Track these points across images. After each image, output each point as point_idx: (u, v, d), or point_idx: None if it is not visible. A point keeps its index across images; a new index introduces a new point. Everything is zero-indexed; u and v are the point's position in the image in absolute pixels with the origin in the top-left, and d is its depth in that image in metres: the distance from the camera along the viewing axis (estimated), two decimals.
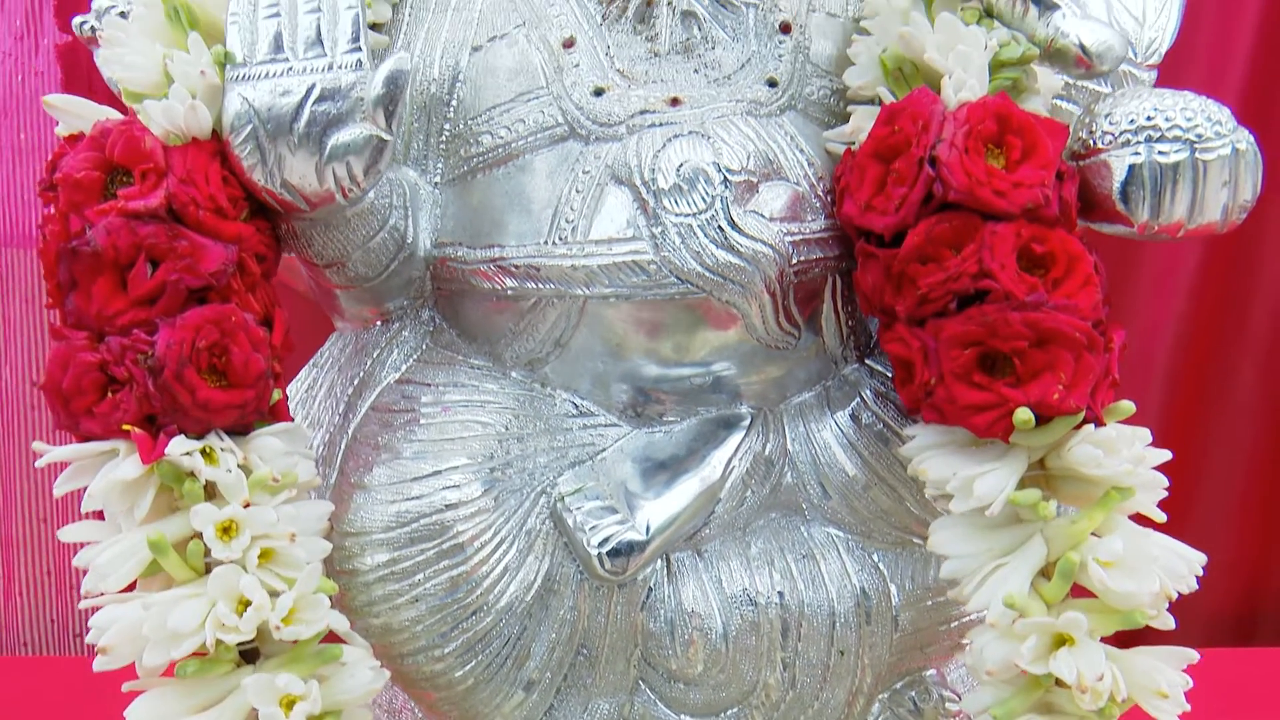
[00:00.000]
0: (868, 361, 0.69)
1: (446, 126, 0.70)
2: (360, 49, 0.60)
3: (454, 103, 0.69)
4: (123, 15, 0.72)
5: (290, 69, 0.60)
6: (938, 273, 0.56)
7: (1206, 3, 1.37)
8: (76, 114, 0.61)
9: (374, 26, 0.71)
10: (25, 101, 1.46)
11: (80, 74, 1.38)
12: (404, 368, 0.71)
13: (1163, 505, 0.60)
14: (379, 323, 0.73)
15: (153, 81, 0.60)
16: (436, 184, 0.70)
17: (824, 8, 0.70)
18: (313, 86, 0.59)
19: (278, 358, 0.61)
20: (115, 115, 0.61)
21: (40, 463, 0.58)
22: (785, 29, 0.68)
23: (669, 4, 0.68)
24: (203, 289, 0.57)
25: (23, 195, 1.48)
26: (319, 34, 0.60)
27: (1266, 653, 1.39)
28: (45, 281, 0.58)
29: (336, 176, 0.60)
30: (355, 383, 0.71)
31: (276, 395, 0.60)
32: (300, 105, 0.59)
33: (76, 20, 0.77)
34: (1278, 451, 1.41)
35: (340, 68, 0.59)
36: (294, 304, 0.74)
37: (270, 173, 0.60)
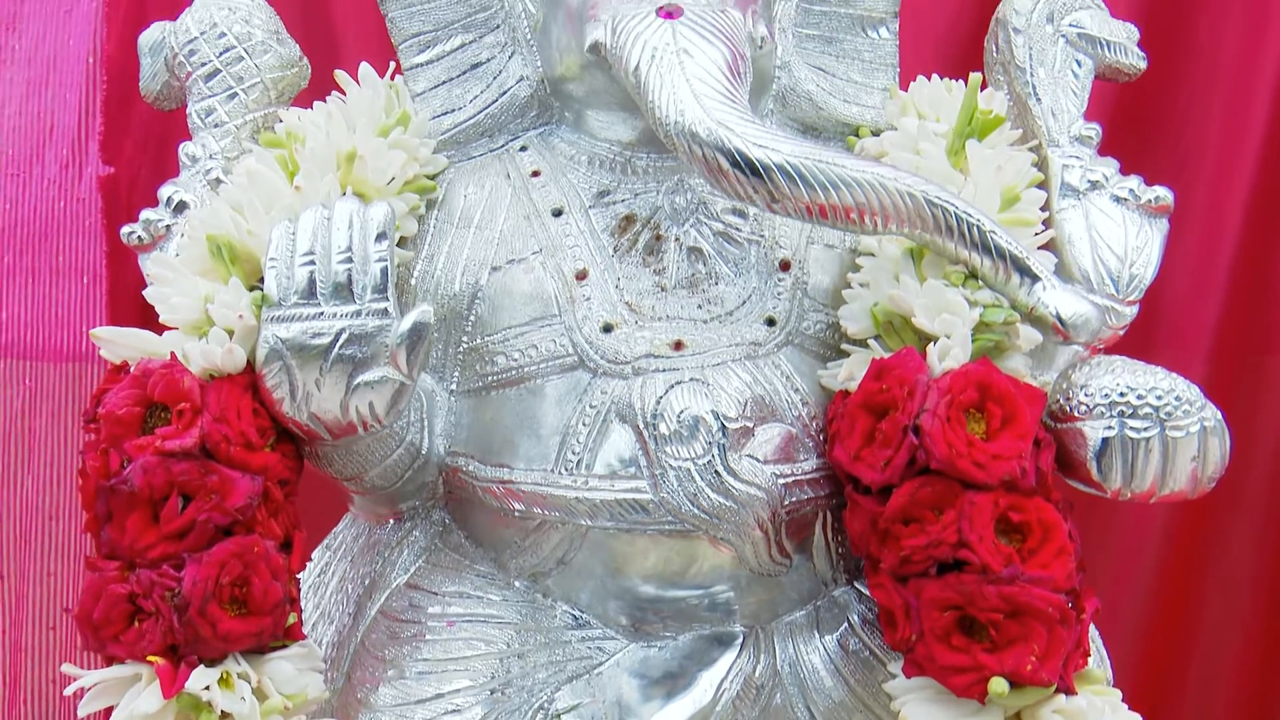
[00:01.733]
0: (855, 585, 0.72)
1: (464, 339, 0.74)
2: (387, 298, 0.64)
3: (473, 318, 0.74)
4: (168, 228, 0.78)
5: (321, 313, 0.64)
6: (920, 535, 0.59)
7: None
8: (122, 344, 0.66)
9: (400, 241, 0.76)
10: (66, 225, 1.51)
11: (120, 205, 1.44)
12: (413, 569, 0.74)
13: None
14: (391, 520, 0.77)
15: (194, 320, 0.65)
16: (453, 391, 0.74)
17: (822, 239, 0.74)
18: (341, 331, 0.64)
19: (294, 580, 0.64)
20: (159, 349, 0.65)
21: (70, 689, 0.61)
22: (785, 266, 0.72)
23: (676, 239, 0.72)
24: (231, 524, 0.61)
25: (56, 313, 1.53)
26: (349, 281, 0.64)
27: None
28: (84, 511, 0.62)
29: (359, 413, 0.64)
30: (366, 583, 0.75)
31: (292, 619, 0.63)
32: (329, 347, 0.63)
33: (125, 230, 0.83)
34: (1272, 623, 1.43)
35: (367, 314, 0.64)
36: (311, 480, 0.77)
37: (298, 407, 0.64)
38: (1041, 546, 0.59)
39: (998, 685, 0.56)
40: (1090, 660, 0.61)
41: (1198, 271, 1.47)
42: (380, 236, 0.65)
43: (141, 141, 1.41)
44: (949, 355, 0.62)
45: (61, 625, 1.51)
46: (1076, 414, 0.63)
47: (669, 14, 0.66)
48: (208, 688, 0.58)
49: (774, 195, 0.62)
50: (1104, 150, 1.28)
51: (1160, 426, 0.61)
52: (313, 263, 0.64)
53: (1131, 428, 0.61)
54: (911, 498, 0.60)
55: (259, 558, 0.61)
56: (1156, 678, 1.37)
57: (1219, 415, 0.62)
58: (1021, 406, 0.61)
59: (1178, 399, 0.61)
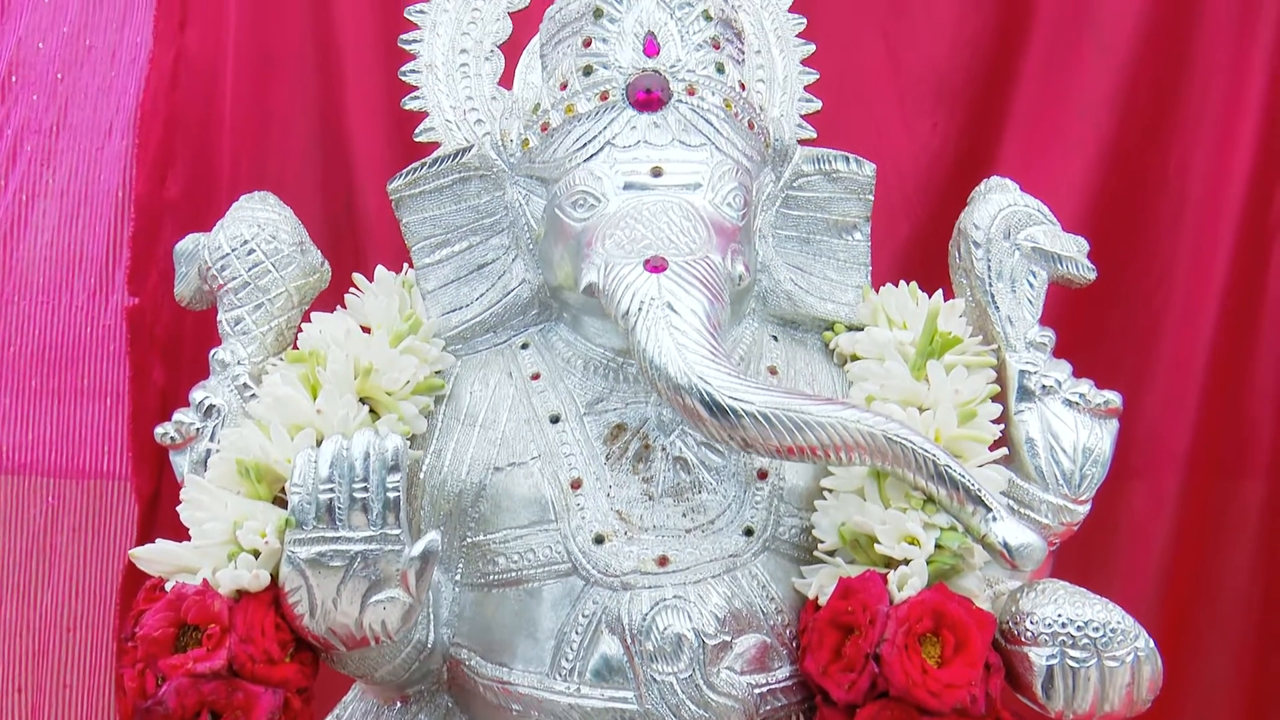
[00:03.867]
0: None
1: (469, 534, 0.80)
2: (400, 526, 0.71)
3: (476, 515, 0.80)
4: (198, 430, 0.84)
5: (339, 537, 0.70)
6: None
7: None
8: (160, 561, 0.72)
9: (410, 439, 0.82)
10: (92, 350, 1.59)
11: (144, 333, 1.51)
12: None
13: None
14: (398, 703, 0.82)
15: (223, 542, 0.71)
16: (457, 582, 0.80)
17: None
18: (357, 554, 0.70)
19: None
20: (191, 565, 0.71)
21: None
22: (762, 475, 0.79)
23: (663, 449, 0.79)
24: None
25: (80, 433, 1.60)
26: (365, 509, 0.71)
27: None
28: None
29: (372, 629, 0.70)
30: None
31: None
32: (346, 569, 0.70)
33: (159, 431, 0.89)
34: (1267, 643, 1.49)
35: (381, 540, 0.70)
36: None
37: (317, 621, 0.70)
38: None
39: None
40: None
41: (1170, 399, 1.54)
42: (393, 469, 0.71)
43: (166, 274, 1.48)
44: (907, 584, 0.68)
45: None
46: (1024, 639, 0.69)
47: (655, 268, 0.73)
48: None
49: (746, 440, 0.69)
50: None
51: (1097, 656, 0.67)
52: (333, 490, 0.71)
53: (1072, 657, 0.67)
54: (873, 718, 0.66)
55: None
56: None
57: (1151, 644, 0.68)
58: (973, 633, 0.67)
59: (1113, 630, 0.67)
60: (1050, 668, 0.68)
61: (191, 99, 1.51)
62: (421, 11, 1.03)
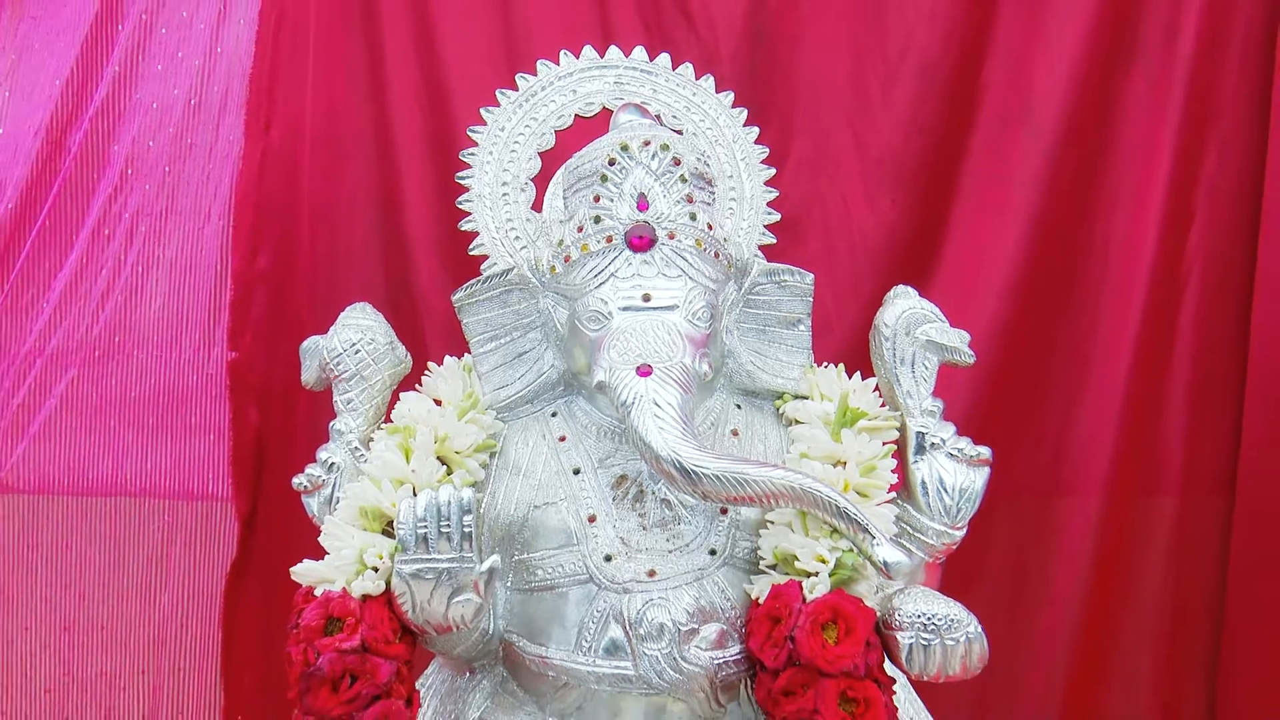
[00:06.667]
0: None
1: (515, 554, 1.15)
2: (472, 550, 1.05)
3: (521, 540, 1.15)
4: (323, 480, 1.19)
5: (431, 559, 1.05)
6: (794, 704, 1.01)
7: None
8: (313, 576, 1.07)
9: (474, 485, 1.16)
10: (197, 395, 1.92)
11: (241, 381, 1.84)
12: (482, 708, 1.16)
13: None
14: (467, 673, 1.17)
15: (353, 562, 1.06)
16: (508, 587, 1.15)
17: None
18: (444, 570, 1.05)
19: None
20: (332, 579, 1.06)
21: None
22: (723, 511, 1.13)
23: (653, 493, 1.14)
24: (379, 693, 1.01)
25: (190, 463, 1.92)
26: (449, 539, 1.05)
27: None
28: (291, 687, 1.02)
29: (454, 620, 1.05)
30: (451, 717, 1.15)
31: None
32: (437, 580, 1.05)
33: (295, 480, 1.25)
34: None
35: (459, 560, 1.05)
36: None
37: (417, 616, 1.05)
38: (867, 714, 0.98)
39: None
40: None
41: (1095, 430, 1.85)
42: (468, 511, 1.06)
43: (258, 333, 1.87)
44: (815, 589, 1.02)
45: (193, 713, 1.91)
46: (894, 626, 1.03)
47: (644, 373, 1.07)
48: None
49: (705, 493, 1.03)
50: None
51: (940, 638, 1.00)
52: (426, 527, 1.05)
53: (924, 638, 1.01)
54: (789, 680, 1.00)
55: (396, 713, 1.02)
56: None
57: (979, 629, 1.01)
58: (859, 623, 1.01)
59: (952, 620, 1.01)
60: (910, 645, 1.01)
61: (275, 188, 1.85)
62: (472, 154, 1.38)
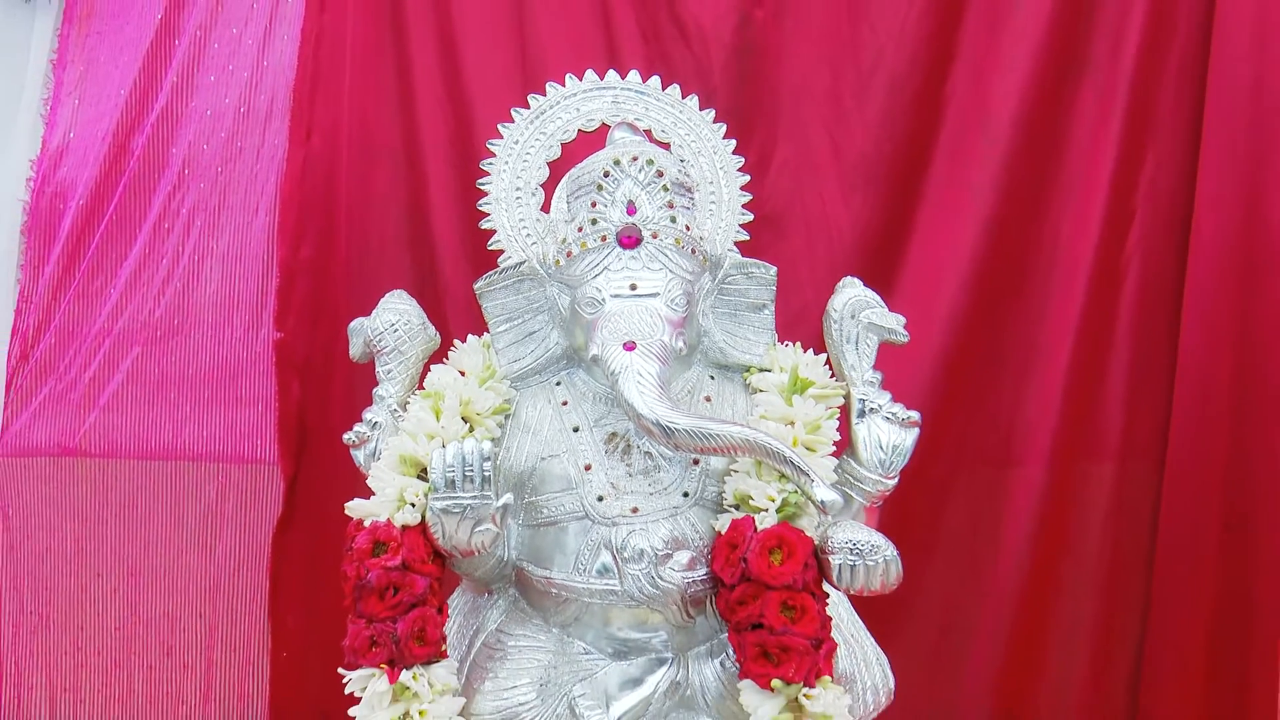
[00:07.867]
0: None
1: (527, 495, 1.43)
2: (490, 489, 1.32)
3: (531, 485, 1.43)
4: (368, 437, 1.45)
5: (457, 497, 1.33)
6: (744, 611, 1.28)
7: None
8: (362, 510, 1.35)
9: (492, 439, 1.42)
10: (247, 370, 2.18)
11: (286, 358, 2.10)
12: (499, 620, 1.43)
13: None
14: (486, 594, 1.44)
15: (394, 499, 1.32)
16: (520, 524, 1.41)
17: None
18: (467, 506, 1.32)
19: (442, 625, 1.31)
20: (378, 513, 1.32)
21: (351, 686, 1.27)
22: (695, 462, 1.39)
23: (638, 447, 1.41)
24: (416, 601, 1.28)
25: (240, 430, 2.16)
26: (471, 481, 1.32)
27: None
28: (346, 596, 1.28)
29: (476, 546, 1.33)
30: (474, 628, 1.44)
31: (444, 648, 1.30)
32: (462, 514, 1.32)
33: (346, 436, 1.51)
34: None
35: (479, 498, 1.32)
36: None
37: (446, 542, 1.33)
38: (803, 618, 1.25)
39: (777, 684, 1.22)
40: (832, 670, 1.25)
41: (1042, 405, 2.08)
42: (486, 459, 1.32)
43: (302, 315, 2.13)
44: (764, 521, 1.28)
45: (243, 649, 2.18)
46: (828, 550, 1.29)
47: (629, 348, 1.34)
48: (410, 680, 1.25)
49: (678, 445, 1.31)
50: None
51: (863, 560, 1.26)
52: (453, 472, 1.32)
53: (850, 561, 1.27)
54: (742, 592, 1.28)
55: (430, 618, 1.30)
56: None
57: (894, 552, 1.27)
58: (799, 548, 1.27)
59: (873, 545, 1.26)
60: (839, 565, 1.28)
61: (316, 188, 2.11)
62: (490, 163, 1.64)
